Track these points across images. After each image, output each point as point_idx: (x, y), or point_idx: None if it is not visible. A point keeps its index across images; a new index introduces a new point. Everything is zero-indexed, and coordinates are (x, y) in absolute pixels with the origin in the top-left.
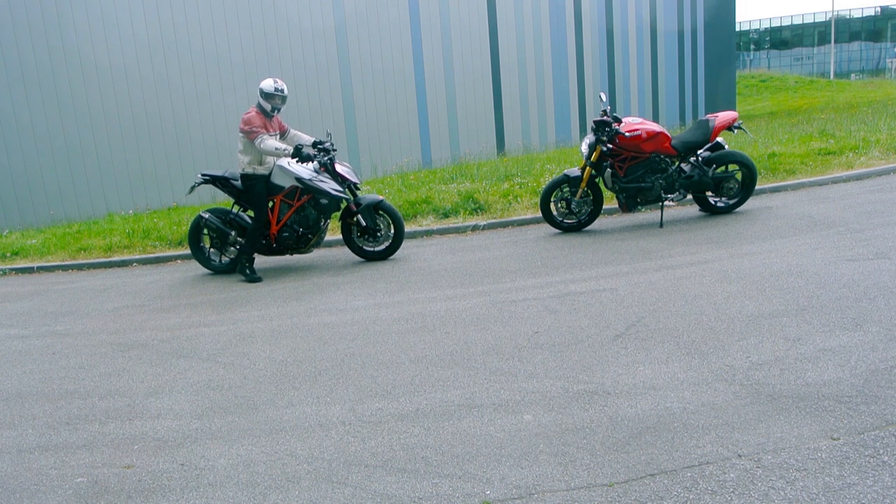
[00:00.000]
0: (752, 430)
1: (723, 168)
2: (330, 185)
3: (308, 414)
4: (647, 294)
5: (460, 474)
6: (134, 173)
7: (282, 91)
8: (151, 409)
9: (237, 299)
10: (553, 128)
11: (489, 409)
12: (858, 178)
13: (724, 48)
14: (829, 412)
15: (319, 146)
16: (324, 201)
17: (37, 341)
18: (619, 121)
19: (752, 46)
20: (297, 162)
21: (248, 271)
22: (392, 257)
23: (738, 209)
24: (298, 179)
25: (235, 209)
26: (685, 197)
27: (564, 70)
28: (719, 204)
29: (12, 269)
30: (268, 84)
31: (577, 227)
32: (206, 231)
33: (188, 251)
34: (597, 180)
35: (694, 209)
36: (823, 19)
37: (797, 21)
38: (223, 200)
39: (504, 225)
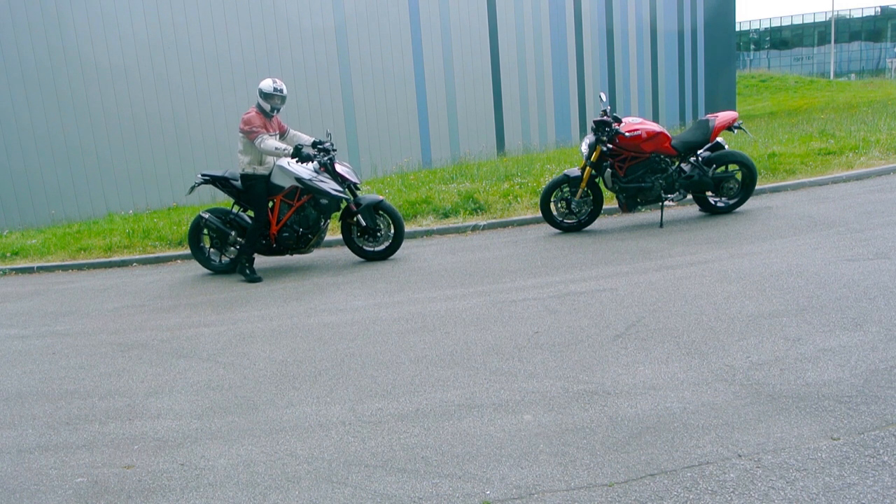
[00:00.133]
0: (752, 430)
1: (723, 168)
2: (330, 185)
3: (308, 414)
4: (647, 294)
5: (460, 474)
6: (134, 173)
7: (281, 91)
8: (151, 409)
9: (237, 299)
10: (553, 128)
11: (489, 409)
12: (858, 178)
13: (724, 48)
14: (829, 412)
15: (319, 146)
16: (324, 201)
17: (37, 341)
18: (619, 121)
19: (752, 46)
20: (297, 162)
21: (248, 271)
22: (392, 257)
23: (738, 209)
24: (298, 179)
25: (235, 209)
26: (685, 197)
27: (564, 70)
28: (719, 204)
29: (12, 269)
30: (267, 84)
31: (577, 227)
32: (206, 231)
33: (188, 251)
34: (597, 180)
35: (694, 209)
36: (823, 19)
37: (797, 21)
38: (223, 200)
39: (504, 225)
